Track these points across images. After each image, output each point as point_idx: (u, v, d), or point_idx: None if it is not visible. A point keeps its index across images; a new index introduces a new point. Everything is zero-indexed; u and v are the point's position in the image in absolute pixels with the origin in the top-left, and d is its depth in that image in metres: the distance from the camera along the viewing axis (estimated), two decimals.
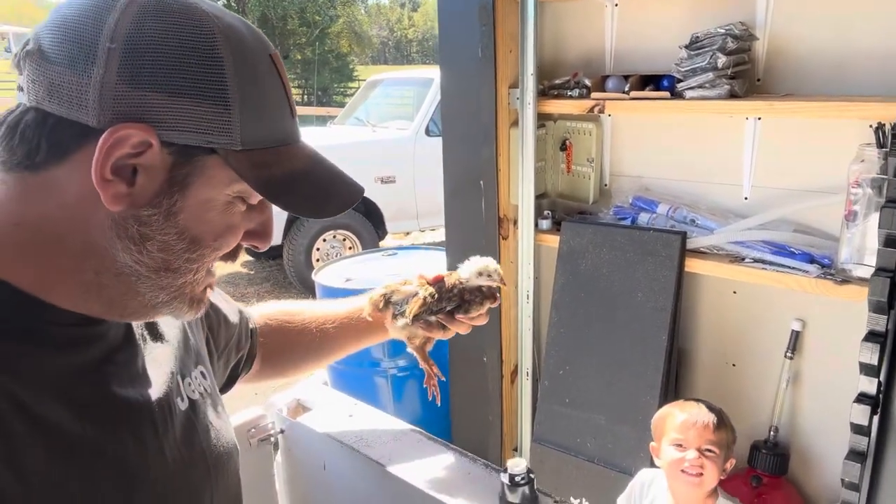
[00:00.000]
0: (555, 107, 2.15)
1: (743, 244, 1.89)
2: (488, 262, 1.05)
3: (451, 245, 2.50)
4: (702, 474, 1.44)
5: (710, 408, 1.51)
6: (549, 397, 2.22)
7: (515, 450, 2.53)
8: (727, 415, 1.54)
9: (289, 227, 5.73)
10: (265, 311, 1.15)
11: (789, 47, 1.83)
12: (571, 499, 2.14)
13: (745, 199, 1.99)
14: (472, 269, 1.05)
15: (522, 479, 0.87)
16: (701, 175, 2.07)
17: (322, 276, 2.79)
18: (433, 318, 1.01)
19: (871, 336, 1.13)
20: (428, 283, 1.04)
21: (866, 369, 1.12)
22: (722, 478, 1.50)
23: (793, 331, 1.95)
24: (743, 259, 1.88)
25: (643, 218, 2.12)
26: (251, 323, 1.07)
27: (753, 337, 2.06)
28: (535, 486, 0.88)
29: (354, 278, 2.75)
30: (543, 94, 2.21)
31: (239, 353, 1.03)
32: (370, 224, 6.00)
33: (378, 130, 6.25)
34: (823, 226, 1.83)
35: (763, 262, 1.84)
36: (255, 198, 0.68)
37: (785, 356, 1.97)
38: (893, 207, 0.97)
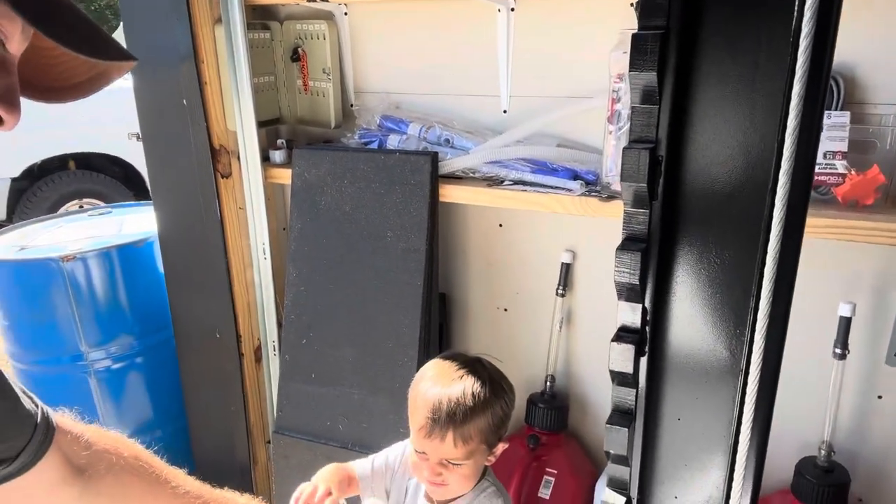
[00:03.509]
0: None
1: (501, 164, 1.56)
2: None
3: (157, 191, 1.89)
4: (445, 483, 1.09)
5: (463, 392, 1.06)
6: (291, 375, 1.75)
7: (269, 443, 2.04)
8: (499, 379, 1.13)
9: (17, 199, 4.57)
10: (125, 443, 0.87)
11: None
12: None
13: (505, 111, 1.66)
14: None
15: None
16: (454, 87, 1.70)
17: None
18: None
19: (629, 242, 0.75)
20: None
21: (626, 292, 0.74)
22: (489, 463, 1.14)
23: (563, 264, 1.68)
24: (502, 182, 1.56)
25: (392, 140, 1.71)
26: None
27: (523, 275, 1.77)
28: None
29: (34, 246, 2.01)
30: None
31: None
32: (129, 191, 5.02)
33: None
34: (588, 137, 1.56)
35: (523, 183, 1.53)
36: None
37: (556, 294, 1.70)
38: (644, 32, 0.61)
